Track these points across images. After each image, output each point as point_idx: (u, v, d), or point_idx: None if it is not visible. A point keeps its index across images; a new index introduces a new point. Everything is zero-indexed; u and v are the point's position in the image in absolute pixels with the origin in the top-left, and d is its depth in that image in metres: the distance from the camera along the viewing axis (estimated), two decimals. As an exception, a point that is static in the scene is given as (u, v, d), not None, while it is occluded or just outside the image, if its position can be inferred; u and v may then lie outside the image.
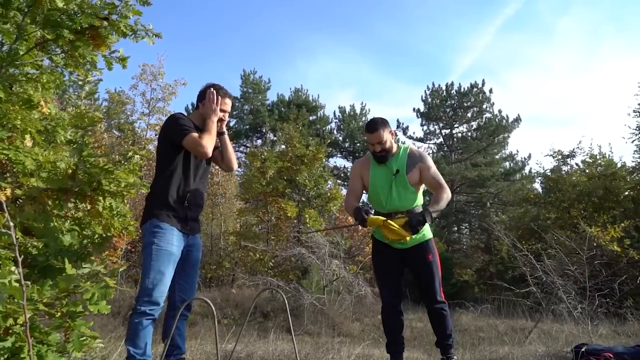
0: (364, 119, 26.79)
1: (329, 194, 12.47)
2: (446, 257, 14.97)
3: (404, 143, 3.13)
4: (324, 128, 26.03)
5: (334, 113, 27.29)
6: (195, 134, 2.47)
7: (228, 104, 2.72)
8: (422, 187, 3.01)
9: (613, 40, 45.17)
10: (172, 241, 2.38)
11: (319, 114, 26.23)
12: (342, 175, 24.98)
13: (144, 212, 2.46)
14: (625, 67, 43.43)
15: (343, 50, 47.85)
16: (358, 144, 25.95)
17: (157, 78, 15.74)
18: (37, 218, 1.91)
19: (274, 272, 10.97)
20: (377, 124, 2.94)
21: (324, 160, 13.14)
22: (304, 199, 12.26)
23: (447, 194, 2.84)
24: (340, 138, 26.45)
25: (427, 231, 2.93)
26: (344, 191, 14.31)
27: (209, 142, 2.48)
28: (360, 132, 25.93)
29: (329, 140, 14.63)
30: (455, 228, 23.96)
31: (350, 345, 4.41)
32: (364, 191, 3.23)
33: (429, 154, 22.78)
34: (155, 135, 16.14)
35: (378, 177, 3.00)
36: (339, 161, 26.92)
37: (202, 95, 2.67)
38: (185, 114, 2.73)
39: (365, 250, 11.82)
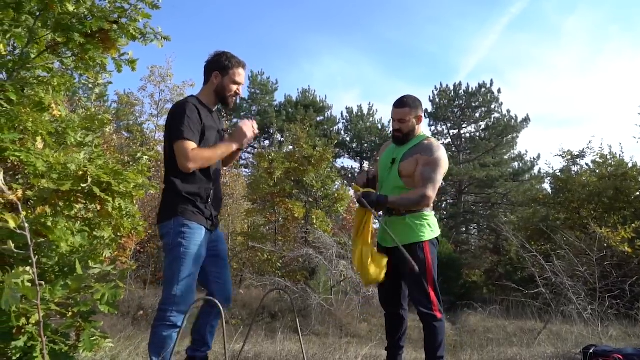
0: (371, 119, 26.77)
1: (336, 195, 12.48)
2: (454, 258, 14.91)
3: (425, 134, 2.86)
4: (331, 129, 26.05)
5: (342, 114, 27.32)
6: (191, 145, 2.17)
7: (242, 74, 2.40)
8: None
9: (619, 39, 44.67)
10: (201, 242, 2.21)
11: (326, 115, 26.26)
12: (349, 175, 24.94)
13: (164, 209, 2.27)
14: (633, 66, 42.92)
15: (347, 51, 47.87)
16: (365, 145, 25.95)
17: (166, 80, 15.89)
18: (49, 219, 1.95)
19: (281, 273, 10.99)
20: (405, 101, 2.66)
21: (331, 160, 13.15)
22: (311, 200, 12.28)
23: (421, 198, 2.48)
24: (348, 139, 26.46)
25: (412, 234, 2.57)
26: (351, 192, 14.31)
27: (201, 162, 2.19)
28: (367, 132, 25.89)
29: (336, 141, 14.65)
30: (464, 229, 23.83)
31: (358, 345, 4.41)
32: None
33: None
34: (165, 136, 16.26)
35: (383, 162, 2.78)
36: (346, 162, 26.89)
37: (219, 64, 2.36)
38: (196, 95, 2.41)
39: (372, 251, 11.82)
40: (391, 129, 2.80)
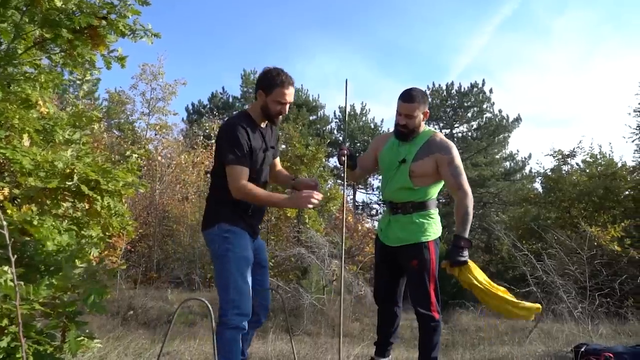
0: (364, 119, 26.79)
1: (328, 194, 12.46)
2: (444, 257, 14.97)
3: (435, 129, 2.81)
4: (324, 128, 26.02)
5: (334, 113, 27.28)
6: (242, 170, 2.19)
7: (287, 94, 2.30)
8: (437, 183, 2.62)
9: (610, 39, 45.06)
10: (247, 246, 2.26)
11: (319, 114, 26.21)
12: (341, 175, 24.99)
13: (208, 216, 2.33)
14: (624, 65, 43.33)
15: (340, 49, 47.79)
16: (358, 144, 25.95)
17: (157, 78, 15.73)
18: (35, 218, 1.91)
19: (273, 272, 10.95)
20: (415, 96, 2.53)
21: (323, 160, 13.13)
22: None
23: (469, 200, 2.46)
24: (340, 138, 26.44)
25: (419, 233, 2.55)
26: (342, 191, 14.38)
27: (247, 198, 2.20)
28: (360, 132, 25.91)
29: (328, 140, 14.64)
30: (453, 229, 23.98)
31: (350, 345, 4.40)
32: (374, 167, 2.89)
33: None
34: (156, 134, 16.18)
35: (386, 158, 2.69)
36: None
37: (263, 82, 2.31)
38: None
39: (365, 250, 11.81)
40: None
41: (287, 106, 2.34)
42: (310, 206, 2.19)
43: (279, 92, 2.27)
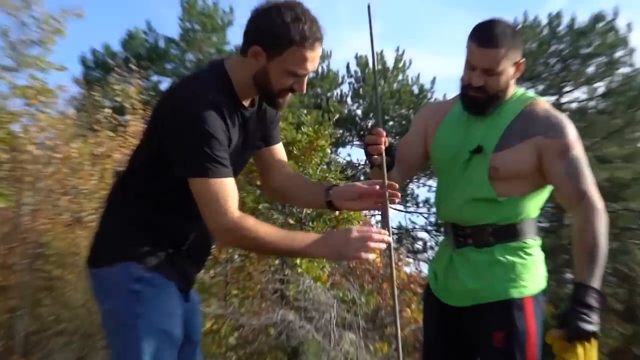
0: (400, 77, 26.83)
1: (337, 213, 12.46)
2: (550, 327, 14.97)
3: (527, 92, 2.86)
4: (328, 93, 26.11)
5: (347, 67, 27.32)
6: (231, 188, 2.13)
7: (311, 58, 2.18)
8: (539, 190, 2.67)
9: None
10: (174, 308, 2.26)
11: (320, 69, 26.29)
12: (361, 177, 24.98)
13: (104, 245, 2.34)
14: None
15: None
16: (391, 122, 26.02)
17: (31, 4, 15.82)
18: None
19: (237, 355, 10.97)
20: (499, 35, 2.51)
21: (328, 151, 13.13)
22: (292, 222, 12.24)
23: (600, 219, 2.45)
24: (359, 111, 26.54)
25: (507, 282, 2.58)
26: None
27: (248, 240, 2.17)
28: (393, 100, 25.99)
29: (337, 115, 14.63)
30: (567, 274, 23.96)
31: None
32: (422, 163, 2.97)
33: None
34: (29, 106, 16.23)
35: (446, 146, 2.75)
36: (355, 152, 26.92)
37: (266, 32, 2.14)
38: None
39: (403, 315, 11.78)
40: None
41: (306, 79, 2.25)
42: (370, 257, 2.17)
43: (296, 54, 2.14)
